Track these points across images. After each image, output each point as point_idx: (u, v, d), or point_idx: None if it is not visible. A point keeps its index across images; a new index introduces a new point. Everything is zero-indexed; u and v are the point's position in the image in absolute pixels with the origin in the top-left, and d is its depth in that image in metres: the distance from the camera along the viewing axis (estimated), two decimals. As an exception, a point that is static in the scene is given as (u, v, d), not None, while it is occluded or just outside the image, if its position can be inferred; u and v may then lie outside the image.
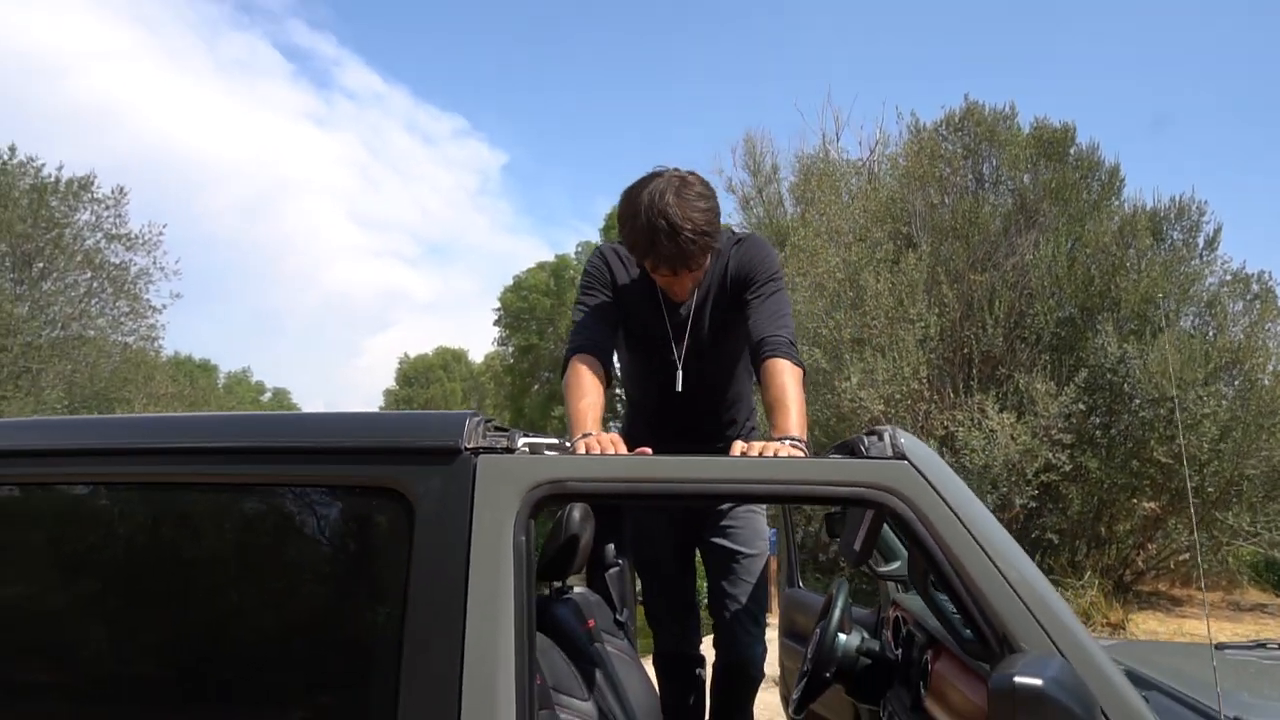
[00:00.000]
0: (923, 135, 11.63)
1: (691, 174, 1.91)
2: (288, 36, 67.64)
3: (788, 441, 1.58)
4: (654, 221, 1.82)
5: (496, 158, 64.83)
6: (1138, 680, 1.69)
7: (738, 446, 1.49)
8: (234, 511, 1.40)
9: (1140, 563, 10.68)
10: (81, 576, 1.41)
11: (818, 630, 2.12)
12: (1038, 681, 0.99)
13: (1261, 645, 1.98)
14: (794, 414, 1.74)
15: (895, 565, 2.51)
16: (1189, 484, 8.92)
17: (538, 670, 1.73)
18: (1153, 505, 10.36)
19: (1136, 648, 2.11)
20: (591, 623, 2.33)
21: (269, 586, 1.40)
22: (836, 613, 2.10)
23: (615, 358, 2.15)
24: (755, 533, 2.13)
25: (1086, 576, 9.44)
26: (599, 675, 2.19)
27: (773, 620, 3.47)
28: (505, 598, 1.27)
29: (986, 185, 11.80)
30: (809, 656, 2.13)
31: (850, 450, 1.36)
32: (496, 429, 1.40)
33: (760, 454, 1.44)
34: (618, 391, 2.33)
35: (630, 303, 2.07)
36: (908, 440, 1.31)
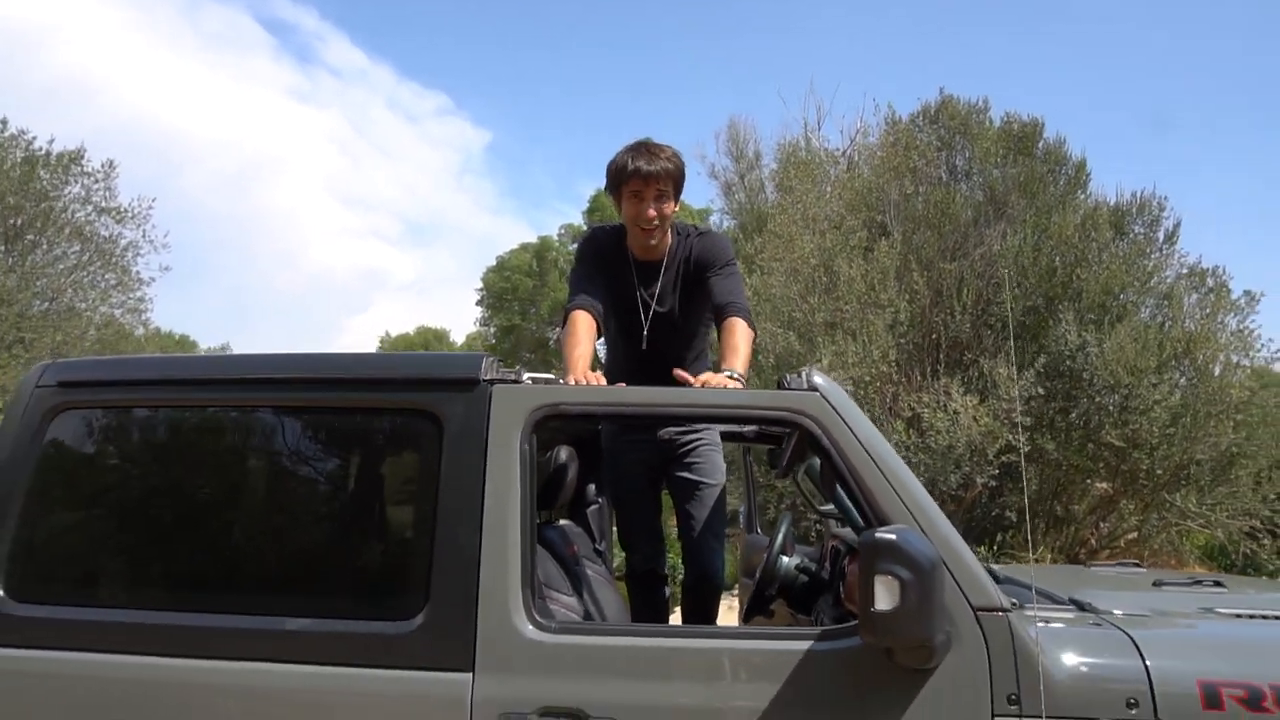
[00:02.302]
0: (898, 127, 12.03)
1: None
2: (270, 10, 66.89)
3: (731, 374, 2.07)
4: (634, 147, 2.44)
5: (480, 137, 64.67)
6: (1007, 580, 2.14)
7: (694, 379, 1.93)
8: (309, 427, 1.82)
9: (1094, 541, 11.20)
10: (205, 478, 1.85)
11: (764, 555, 2.55)
12: (892, 536, 1.41)
13: (1123, 565, 2.43)
14: (741, 357, 2.22)
15: (832, 506, 2.94)
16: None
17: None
18: (1105, 486, 10.90)
19: (1021, 568, 2.56)
20: (575, 549, 2.74)
21: (336, 487, 1.82)
22: (779, 539, 2.52)
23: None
24: (714, 466, 2.55)
25: (1039, 551, 9.95)
26: (581, 589, 2.61)
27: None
28: (514, 492, 1.69)
29: (959, 177, 12.21)
30: (756, 578, 2.55)
31: (778, 384, 1.79)
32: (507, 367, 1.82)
33: (704, 384, 1.87)
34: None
35: (610, 276, 2.51)
36: (820, 378, 1.73)
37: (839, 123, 23.81)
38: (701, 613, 2.60)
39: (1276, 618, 1.85)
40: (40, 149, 13.67)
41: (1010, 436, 9.71)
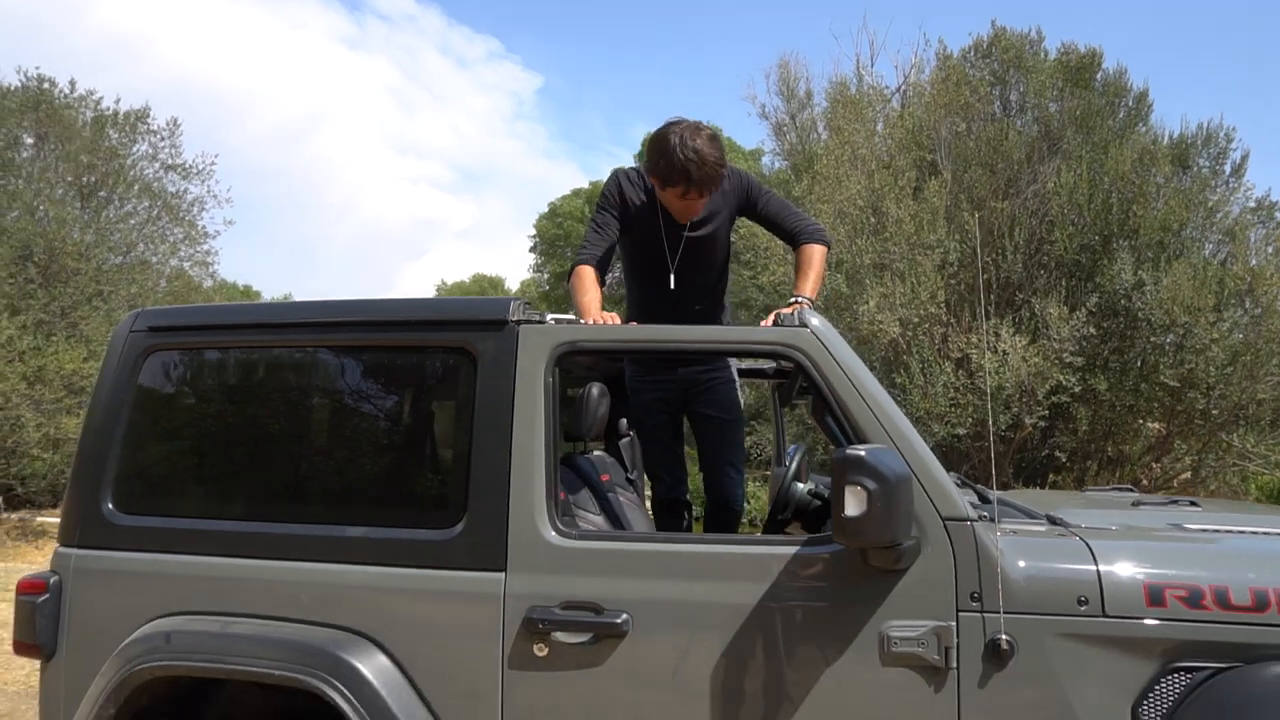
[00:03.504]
0: (949, 63, 11.76)
1: (701, 123, 2.54)
2: (316, -44, 67.04)
3: (797, 299, 2.32)
4: (688, 158, 2.45)
5: (531, 81, 64.39)
6: (1001, 502, 2.32)
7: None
8: (363, 364, 2.10)
9: (1147, 481, 11.13)
10: (276, 409, 2.15)
11: (780, 481, 2.76)
12: (861, 452, 1.61)
13: (1118, 488, 2.58)
14: (810, 281, 2.49)
15: None
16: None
17: (562, 489, 2.40)
18: (1158, 426, 10.80)
19: (1022, 492, 2.74)
20: (607, 476, 2.99)
21: (387, 415, 2.09)
22: (793, 466, 2.73)
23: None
24: (731, 402, 2.75)
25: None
26: (612, 512, 2.86)
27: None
28: (538, 417, 1.93)
29: (1012, 112, 11.91)
30: (773, 501, 2.77)
31: (776, 321, 1.98)
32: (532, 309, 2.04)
33: (775, 316, 2.04)
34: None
35: (637, 220, 2.68)
36: (815, 318, 1.92)
37: (893, 58, 23.22)
38: None
39: (1238, 533, 2.01)
40: (108, 109, 14.26)
41: (1060, 376, 9.66)
